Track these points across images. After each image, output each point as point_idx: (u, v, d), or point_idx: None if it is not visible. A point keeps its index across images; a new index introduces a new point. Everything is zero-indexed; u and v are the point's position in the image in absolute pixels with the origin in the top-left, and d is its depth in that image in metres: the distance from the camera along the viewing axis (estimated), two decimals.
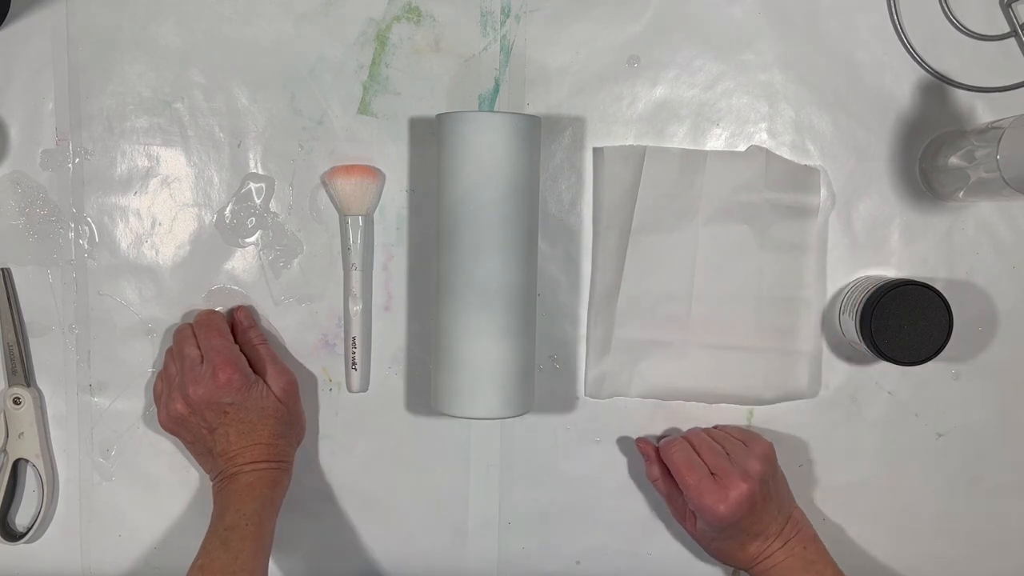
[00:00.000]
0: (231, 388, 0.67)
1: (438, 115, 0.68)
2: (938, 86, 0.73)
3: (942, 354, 0.74)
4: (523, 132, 0.66)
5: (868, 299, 0.68)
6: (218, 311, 0.74)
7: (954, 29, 0.73)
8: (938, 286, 0.74)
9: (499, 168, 0.65)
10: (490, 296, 0.66)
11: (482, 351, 0.66)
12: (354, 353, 0.73)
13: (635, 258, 0.73)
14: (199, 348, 0.70)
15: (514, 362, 0.67)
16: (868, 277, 0.73)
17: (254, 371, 0.70)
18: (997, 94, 0.73)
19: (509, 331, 0.66)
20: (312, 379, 0.75)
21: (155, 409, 0.71)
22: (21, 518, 0.76)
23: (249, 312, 0.74)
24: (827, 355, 0.75)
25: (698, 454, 0.69)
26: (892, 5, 0.73)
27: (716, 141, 0.73)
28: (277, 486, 0.68)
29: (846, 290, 0.73)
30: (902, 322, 0.68)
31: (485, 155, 0.65)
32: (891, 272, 0.74)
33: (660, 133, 0.73)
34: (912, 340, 0.68)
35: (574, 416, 0.75)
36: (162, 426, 0.70)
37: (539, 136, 0.69)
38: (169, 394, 0.69)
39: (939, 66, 0.73)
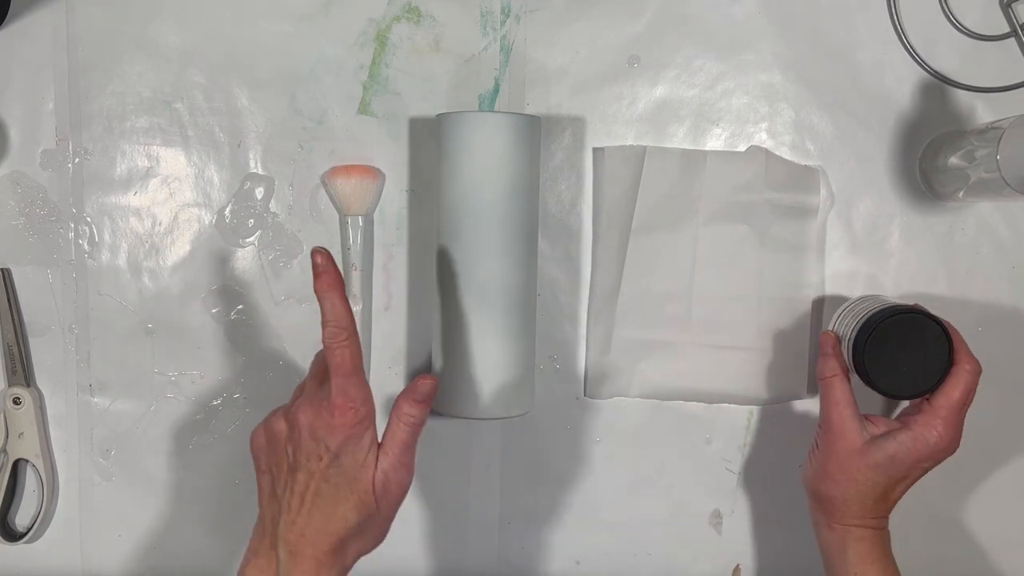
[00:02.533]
0: (345, 431, 0.56)
1: (438, 115, 0.68)
2: (938, 86, 0.73)
3: None
4: (523, 132, 0.66)
5: (862, 327, 0.65)
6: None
7: (954, 29, 0.73)
8: (938, 286, 0.74)
9: (499, 168, 0.65)
10: (490, 296, 0.66)
11: (482, 351, 0.66)
12: None
13: (635, 258, 0.73)
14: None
15: (514, 362, 0.67)
16: (863, 299, 0.71)
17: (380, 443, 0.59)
18: (997, 94, 0.73)
19: (509, 331, 0.67)
20: None
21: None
22: (21, 518, 0.76)
23: (432, 387, 0.60)
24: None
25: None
26: (892, 5, 0.73)
27: (716, 141, 0.74)
28: None
29: (839, 313, 0.71)
30: (898, 353, 0.64)
31: (485, 155, 0.65)
32: (890, 274, 0.74)
33: (660, 133, 0.73)
34: (910, 372, 0.64)
35: (574, 416, 0.75)
36: (250, 441, 0.61)
37: (539, 136, 0.69)
38: (291, 400, 0.61)
39: (939, 66, 0.73)
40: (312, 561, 0.56)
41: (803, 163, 0.74)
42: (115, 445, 0.75)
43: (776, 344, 0.74)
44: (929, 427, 0.63)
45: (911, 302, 0.68)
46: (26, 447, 0.74)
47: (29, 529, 0.74)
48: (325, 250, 0.57)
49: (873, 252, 0.74)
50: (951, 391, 0.64)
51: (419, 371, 0.74)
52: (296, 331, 0.74)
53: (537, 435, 0.75)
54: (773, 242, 0.73)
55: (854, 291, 0.74)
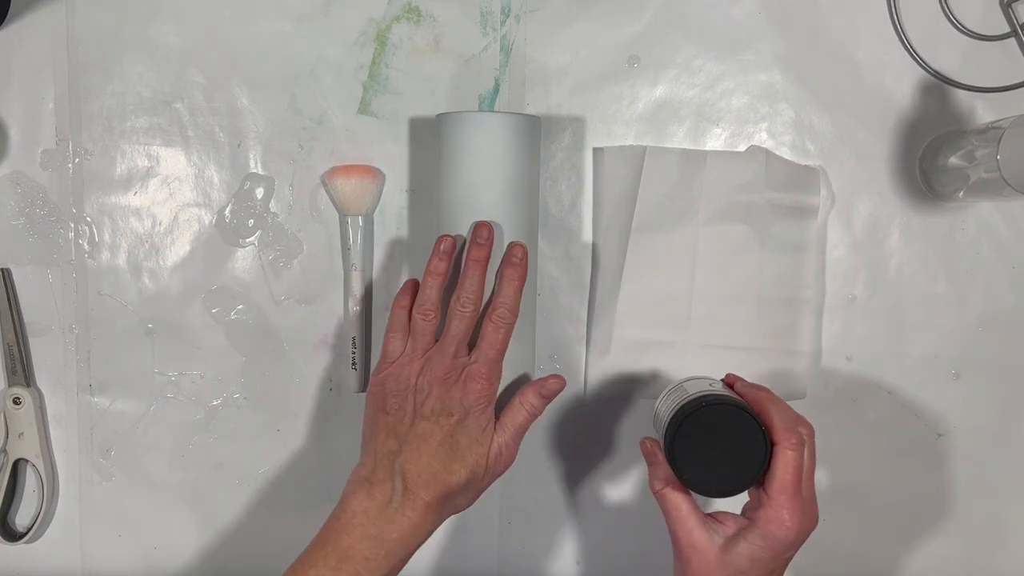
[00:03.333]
0: (479, 401, 0.62)
1: (439, 115, 0.68)
2: (938, 86, 0.73)
3: (942, 354, 0.74)
4: (524, 132, 0.66)
5: (667, 427, 0.60)
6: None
7: (954, 29, 0.73)
8: (938, 286, 0.74)
9: (501, 168, 0.65)
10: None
11: None
12: (354, 353, 0.73)
13: (635, 258, 0.73)
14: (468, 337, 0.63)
15: (516, 362, 0.67)
16: (672, 390, 0.66)
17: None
18: (997, 94, 0.73)
19: (514, 333, 0.66)
20: (312, 379, 0.75)
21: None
22: (21, 518, 0.76)
23: (560, 387, 0.66)
24: (827, 355, 0.75)
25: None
26: (892, 5, 0.73)
27: (716, 141, 0.74)
28: (418, 543, 0.62)
29: (655, 410, 0.68)
30: (711, 448, 0.58)
31: (487, 155, 0.65)
32: (890, 274, 0.74)
33: (660, 133, 0.73)
34: (729, 466, 0.58)
35: (574, 416, 0.75)
36: (371, 384, 0.65)
37: (539, 136, 0.69)
38: (414, 351, 0.64)
39: (939, 66, 0.73)
40: (422, 501, 0.60)
41: (803, 163, 0.74)
42: (115, 445, 0.75)
43: (776, 344, 0.74)
44: (775, 521, 0.57)
45: (724, 381, 0.67)
46: (26, 447, 0.74)
47: (29, 529, 0.74)
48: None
49: (873, 252, 0.74)
50: (781, 475, 0.57)
51: None
52: (296, 331, 0.74)
53: (537, 435, 0.75)
54: (773, 242, 0.73)
55: (854, 291, 0.74)
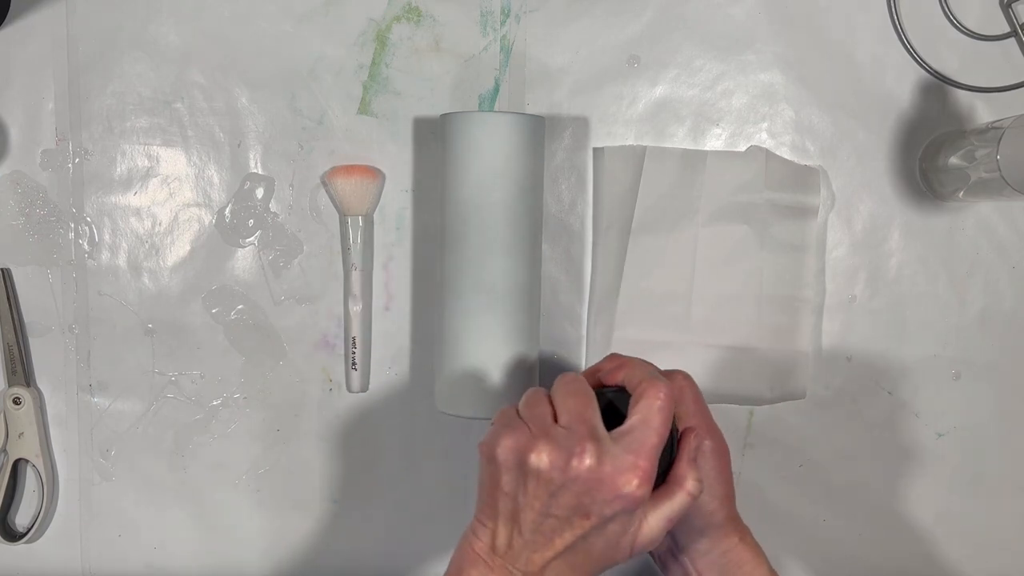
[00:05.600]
0: (627, 505, 0.51)
1: (443, 115, 0.68)
2: (938, 86, 0.73)
3: (942, 354, 0.74)
4: (530, 132, 0.66)
5: None
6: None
7: (954, 29, 0.73)
8: (938, 286, 0.74)
9: (507, 169, 0.65)
10: (498, 297, 0.66)
11: (489, 351, 0.66)
12: (354, 353, 0.73)
13: (635, 258, 0.73)
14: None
15: (519, 363, 0.67)
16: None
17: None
18: (997, 94, 0.73)
19: (516, 332, 0.67)
20: (312, 379, 0.75)
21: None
22: (21, 518, 0.76)
23: None
24: (827, 355, 0.75)
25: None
26: (892, 5, 0.73)
27: (716, 141, 0.74)
28: None
29: None
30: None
31: (493, 155, 0.65)
32: (890, 274, 0.74)
33: (660, 133, 0.73)
34: None
35: None
36: (486, 446, 0.54)
37: (543, 136, 0.69)
38: (540, 426, 0.53)
39: (939, 66, 0.73)
40: None
41: (803, 163, 0.74)
42: (115, 445, 0.75)
43: (776, 344, 0.74)
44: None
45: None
46: (26, 447, 0.74)
47: (29, 529, 0.74)
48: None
49: (873, 252, 0.74)
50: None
51: (419, 371, 0.74)
52: (296, 331, 0.74)
53: None
54: (773, 242, 0.73)
55: (854, 291, 0.74)
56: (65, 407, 0.75)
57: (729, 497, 0.60)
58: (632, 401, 0.53)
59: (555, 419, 0.53)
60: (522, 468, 0.52)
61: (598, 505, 0.51)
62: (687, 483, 0.54)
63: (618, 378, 0.56)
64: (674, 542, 0.62)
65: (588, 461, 0.50)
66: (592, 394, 0.54)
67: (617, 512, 0.51)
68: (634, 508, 0.51)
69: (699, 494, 0.55)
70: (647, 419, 0.52)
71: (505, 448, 0.52)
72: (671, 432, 0.54)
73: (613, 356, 0.59)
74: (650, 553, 0.63)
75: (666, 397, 0.52)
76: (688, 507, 0.54)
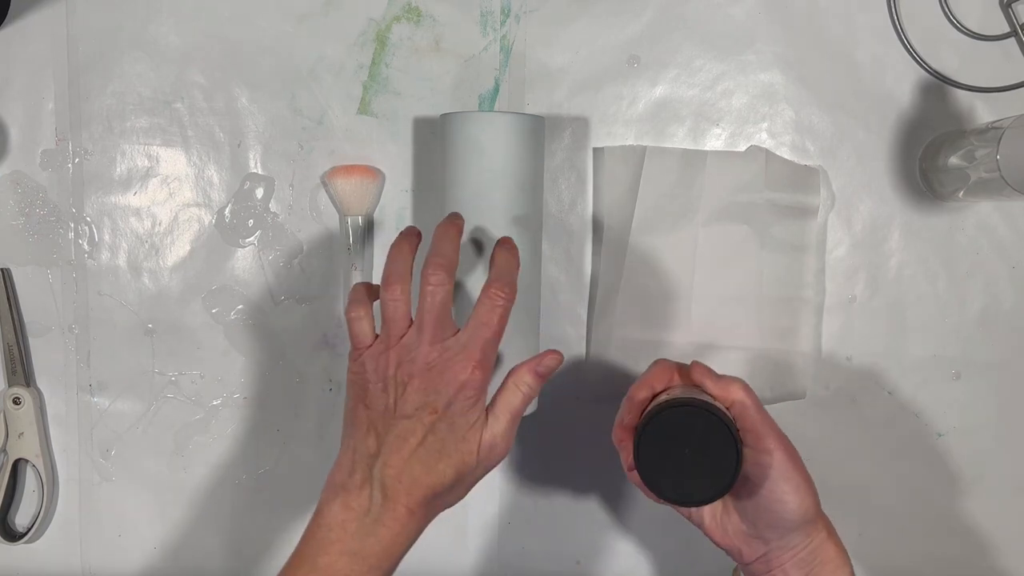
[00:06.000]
0: (465, 391, 0.55)
1: (443, 115, 0.68)
2: (938, 86, 0.73)
3: (942, 354, 0.74)
4: (532, 132, 0.66)
5: (642, 424, 0.56)
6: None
7: (954, 29, 0.73)
8: (938, 286, 0.74)
9: (507, 169, 0.65)
10: None
11: None
12: None
13: (635, 258, 0.73)
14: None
15: (519, 362, 0.67)
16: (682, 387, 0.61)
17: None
18: (997, 94, 0.73)
19: (516, 332, 0.66)
20: (312, 379, 0.75)
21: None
22: (21, 518, 0.76)
23: (557, 363, 0.59)
24: (827, 355, 0.75)
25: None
26: (892, 5, 0.73)
27: (716, 141, 0.74)
28: (403, 552, 0.56)
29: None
30: (681, 453, 0.55)
31: (495, 155, 0.65)
32: (890, 274, 0.74)
33: (660, 133, 0.73)
34: (694, 474, 0.55)
35: (574, 416, 0.75)
36: (349, 371, 0.58)
37: (543, 136, 0.69)
38: (387, 339, 0.57)
39: (939, 66, 0.73)
40: (404, 509, 0.55)
41: (803, 163, 0.74)
42: (115, 445, 0.75)
43: (776, 344, 0.74)
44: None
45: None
46: (26, 447, 0.74)
47: (29, 529, 0.74)
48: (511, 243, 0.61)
49: (873, 252, 0.74)
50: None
51: None
52: (296, 331, 0.74)
53: (537, 435, 0.75)
54: (773, 242, 0.73)
55: (854, 291, 0.74)
56: (65, 407, 0.75)
57: (813, 493, 0.59)
58: (475, 306, 0.57)
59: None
60: (365, 373, 0.57)
61: (443, 398, 0.55)
62: (523, 380, 0.58)
63: (713, 392, 0.59)
64: (765, 542, 0.60)
65: (431, 356, 0.56)
66: (404, 273, 0.57)
67: (457, 399, 0.55)
68: (473, 394, 0.55)
69: (533, 393, 0.58)
70: (482, 317, 0.56)
71: (352, 365, 0.58)
72: (735, 440, 0.55)
73: (737, 385, 0.59)
74: (742, 565, 0.63)
75: (505, 299, 0.56)
76: (525, 403, 0.58)
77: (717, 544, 0.62)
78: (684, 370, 0.62)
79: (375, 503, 0.55)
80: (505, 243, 0.60)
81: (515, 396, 0.58)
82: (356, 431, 0.57)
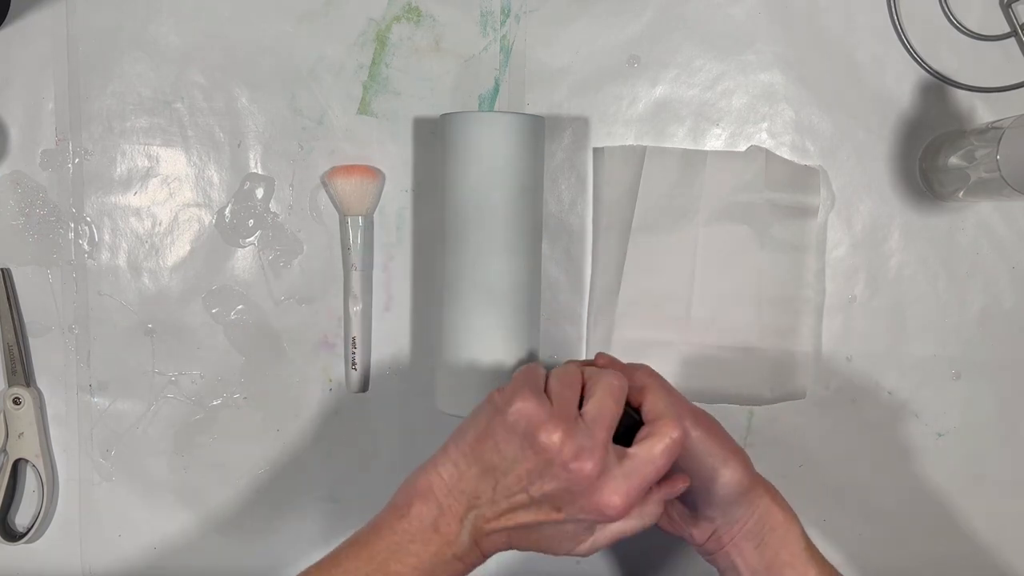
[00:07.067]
0: (597, 518, 0.53)
1: (443, 115, 0.68)
2: (938, 86, 0.73)
3: (942, 354, 0.74)
4: (531, 132, 0.66)
5: None
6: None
7: (954, 29, 0.73)
8: (938, 286, 0.74)
9: (508, 168, 0.65)
10: (499, 297, 0.66)
11: (490, 352, 0.66)
12: (354, 353, 0.73)
13: (635, 258, 0.73)
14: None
15: (519, 363, 0.67)
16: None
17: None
18: (997, 94, 0.73)
19: (517, 332, 0.66)
20: (312, 379, 0.75)
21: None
22: (21, 518, 0.76)
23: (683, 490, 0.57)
24: (827, 355, 0.75)
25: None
26: (892, 5, 0.73)
27: (716, 141, 0.74)
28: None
29: None
30: None
31: (495, 156, 0.65)
32: (890, 274, 0.74)
33: (660, 133, 0.73)
34: None
35: None
36: (502, 398, 0.54)
37: (543, 136, 0.69)
38: (564, 409, 0.53)
39: (939, 66, 0.73)
40: (482, 557, 0.55)
41: (803, 163, 0.74)
42: (115, 445, 0.75)
43: (776, 344, 0.74)
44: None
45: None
46: (26, 447, 0.74)
47: (29, 529, 0.74)
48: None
49: (873, 252, 0.74)
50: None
51: (419, 371, 0.74)
52: (296, 331, 0.74)
53: None
54: (773, 242, 0.73)
55: (854, 291, 0.74)
56: (65, 407, 0.75)
57: (742, 463, 0.60)
58: (645, 431, 0.55)
59: (580, 405, 0.54)
60: (527, 437, 0.52)
61: (574, 508, 0.53)
62: (648, 512, 0.55)
63: (642, 400, 0.57)
64: (710, 521, 0.61)
65: (590, 468, 0.52)
66: (622, 408, 0.55)
67: (586, 522, 0.54)
68: (600, 523, 0.54)
69: (649, 524, 0.56)
70: (652, 454, 0.53)
71: (521, 410, 0.52)
72: (633, 418, 0.56)
73: (643, 371, 0.60)
74: (696, 548, 0.64)
75: (675, 441, 0.54)
76: (636, 532, 0.55)
77: (667, 532, 0.63)
78: (590, 365, 0.61)
79: (462, 542, 0.54)
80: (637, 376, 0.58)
81: (629, 525, 0.55)
82: (475, 458, 0.54)
